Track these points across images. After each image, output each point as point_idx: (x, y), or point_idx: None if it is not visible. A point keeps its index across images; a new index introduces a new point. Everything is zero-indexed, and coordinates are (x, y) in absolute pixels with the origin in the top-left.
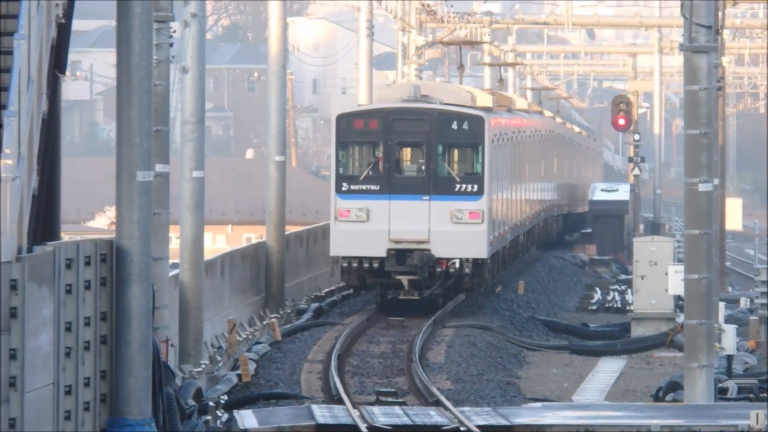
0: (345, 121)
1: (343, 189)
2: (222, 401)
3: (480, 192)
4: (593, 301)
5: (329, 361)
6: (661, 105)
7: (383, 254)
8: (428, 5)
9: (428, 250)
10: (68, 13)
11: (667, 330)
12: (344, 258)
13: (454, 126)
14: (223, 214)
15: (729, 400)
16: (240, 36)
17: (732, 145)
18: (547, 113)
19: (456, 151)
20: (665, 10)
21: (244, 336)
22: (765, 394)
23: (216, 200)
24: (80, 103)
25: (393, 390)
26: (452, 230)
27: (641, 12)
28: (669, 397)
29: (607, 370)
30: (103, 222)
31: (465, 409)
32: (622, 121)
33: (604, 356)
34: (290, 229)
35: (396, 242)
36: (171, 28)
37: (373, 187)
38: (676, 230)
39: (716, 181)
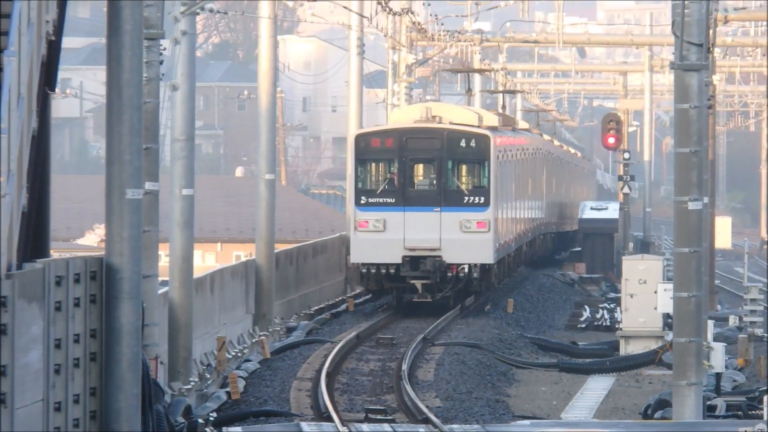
0: (363, 140)
1: (362, 202)
2: (211, 418)
3: (486, 203)
4: (582, 319)
5: (318, 379)
6: (651, 123)
7: (399, 261)
8: (419, 23)
9: (440, 256)
10: (58, 30)
11: (656, 348)
12: (363, 264)
13: (463, 144)
14: (212, 231)
15: (718, 417)
16: (230, 54)
17: (722, 164)
18: (546, 136)
19: (464, 167)
20: (656, 28)
21: (234, 353)
22: (753, 412)
23: (206, 218)
24: (70, 120)
25: (382, 408)
26: (461, 238)
27: (632, 30)
28: (658, 414)
29: (596, 387)
30: (92, 239)
31: (454, 426)
32: (612, 140)
33: (593, 374)
34: (280, 247)
35: (410, 250)
36: (161, 45)
37: (389, 200)
38: (665, 248)
39: (706, 200)
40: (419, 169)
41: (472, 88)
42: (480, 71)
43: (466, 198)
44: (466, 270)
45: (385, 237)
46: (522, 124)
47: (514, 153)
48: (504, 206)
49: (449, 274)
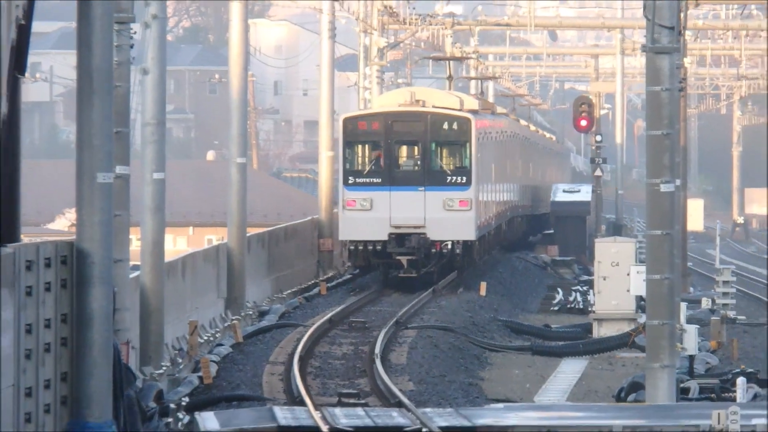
0: (351, 123)
1: (350, 182)
2: (183, 403)
3: (468, 183)
4: (555, 302)
5: (291, 363)
6: (623, 106)
7: (385, 238)
8: (390, 7)
9: (424, 234)
10: (28, 14)
11: (629, 330)
12: (351, 242)
13: (445, 126)
14: (184, 216)
15: (691, 400)
16: (201, 38)
17: (694, 146)
18: (522, 121)
19: (447, 148)
20: (627, 11)
21: (206, 338)
22: (727, 395)
23: (177, 202)
24: (40, 104)
25: (355, 391)
26: (445, 216)
27: (604, 13)
28: (631, 397)
29: (569, 371)
30: (63, 224)
31: (427, 410)
32: (584, 123)
33: (566, 357)
34: (252, 231)
35: (396, 227)
36: (132, 29)
37: (375, 180)
38: (638, 231)
39: (678, 182)
40: (404, 150)
41: (452, 74)
42: (459, 59)
43: (449, 178)
44: (450, 246)
45: (372, 215)
46: (501, 108)
47: (493, 136)
48: (484, 186)
49: (433, 251)
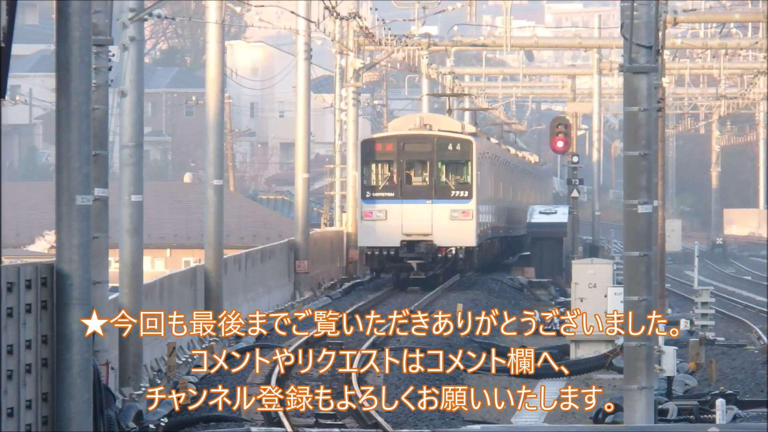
0: (367, 144)
1: (367, 196)
2: (162, 424)
3: (470, 197)
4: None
5: (268, 384)
6: (600, 127)
7: (398, 244)
8: (366, 28)
9: (431, 240)
10: (8, 36)
11: (606, 352)
12: (368, 248)
13: (450, 147)
14: (161, 237)
15: (669, 421)
16: (178, 60)
17: (672, 167)
18: (503, 145)
19: (452, 166)
20: (605, 31)
21: (184, 359)
22: (705, 416)
23: (154, 224)
24: (19, 127)
25: (332, 413)
26: (449, 225)
27: (581, 33)
28: (609, 419)
29: (547, 392)
30: (42, 246)
31: (403, 430)
32: (560, 144)
33: (543, 378)
34: (228, 253)
35: (407, 235)
36: (110, 51)
37: (389, 194)
38: (615, 252)
39: (656, 203)
40: (414, 168)
41: (438, 99)
42: (459, 95)
43: (453, 192)
44: (453, 251)
45: (386, 225)
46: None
47: (490, 156)
48: (484, 199)
49: (439, 255)
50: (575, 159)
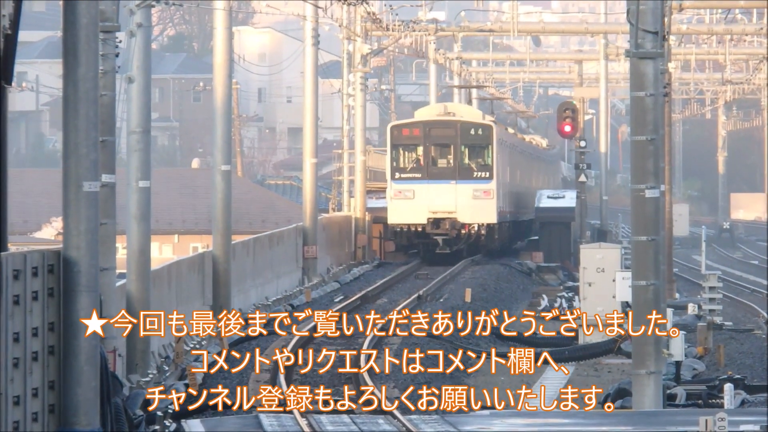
0: (396, 130)
1: (396, 177)
2: (170, 411)
3: (490, 177)
4: (540, 308)
5: (277, 370)
6: (607, 111)
7: (424, 222)
8: (373, 13)
9: (456, 218)
10: (14, 23)
11: (614, 337)
12: (397, 225)
13: (473, 132)
14: (169, 223)
15: (678, 406)
16: (185, 46)
17: (678, 151)
18: (510, 129)
19: (474, 150)
20: (611, 16)
21: (192, 345)
22: (714, 401)
23: (162, 210)
24: (26, 114)
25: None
26: (472, 204)
27: (587, 18)
28: (617, 403)
29: (555, 377)
30: (49, 233)
31: (413, 417)
32: (567, 128)
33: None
34: (237, 239)
35: (433, 213)
36: (117, 38)
37: (417, 175)
38: (622, 237)
39: (663, 188)
40: (439, 151)
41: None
42: (479, 87)
43: (476, 173)
44: (476, 228)
45: (414, 203)
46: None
47: (507, 142)
48: (503, 180)
49: (463, 232)
50: (582, 144)
